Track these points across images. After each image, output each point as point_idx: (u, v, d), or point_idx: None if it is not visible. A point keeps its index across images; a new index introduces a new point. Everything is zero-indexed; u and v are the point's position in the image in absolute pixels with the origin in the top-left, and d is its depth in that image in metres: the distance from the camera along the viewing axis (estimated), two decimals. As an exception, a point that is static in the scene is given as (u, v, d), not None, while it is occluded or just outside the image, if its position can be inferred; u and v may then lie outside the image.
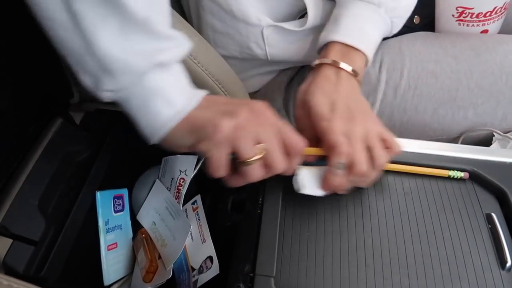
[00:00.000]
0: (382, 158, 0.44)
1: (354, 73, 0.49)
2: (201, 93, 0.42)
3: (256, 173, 0.41)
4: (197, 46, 0.51)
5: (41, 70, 0.51)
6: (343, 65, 0.49)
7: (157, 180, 0.53)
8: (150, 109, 0.40)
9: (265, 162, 0.41)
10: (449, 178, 0.47)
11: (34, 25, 0.47)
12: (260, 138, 0.40)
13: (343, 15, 0.53)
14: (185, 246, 0.48)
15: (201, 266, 0.45)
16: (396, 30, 0.58)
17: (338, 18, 0.53)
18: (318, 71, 0.50)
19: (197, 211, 0.50)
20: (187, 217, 0.50)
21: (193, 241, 0.48)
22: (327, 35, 0.53)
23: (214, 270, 0.44)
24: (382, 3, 0.53)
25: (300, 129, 0.46)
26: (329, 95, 0.47)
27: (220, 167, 0.40)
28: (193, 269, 0.46)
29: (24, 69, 0.48)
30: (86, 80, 0.39)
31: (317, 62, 0.51)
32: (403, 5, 0.56)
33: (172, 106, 0.40)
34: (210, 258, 0.45)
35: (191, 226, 0.47)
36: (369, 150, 0.43)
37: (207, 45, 0.54)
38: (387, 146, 0.45)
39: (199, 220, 0.49)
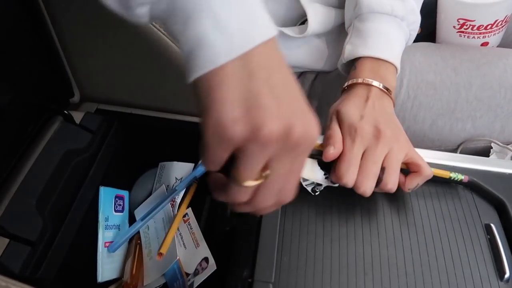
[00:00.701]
0: (391, 184, 0.43)
1: (386, 90, 0.49)
2: (268, 33, 0.28)
3: (241, 197, 0.31)
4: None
5: (41, 69, 0.50)
6: (375, 83, 0.49)
7: (163, 186, 0.52)
8: (192, 30, 0.27)
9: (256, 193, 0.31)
10: (449, 185, 0.48)
11: (35, 23, 0.47)
12: (272, 167, 0.30)
13: (370, 29, 0.53)
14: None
15: (196, 269, 0.45)
16: (410, 42, 0.59)
17: (364, 32, 0.53)
18: (350, 90, 0.50)
19: (189, 222, 0.49)
20: (179, 232, 0.49)
21: (186, 249, 0.48)
22: (355, 50, 0.52)
23: (210, 268, 0.44)
24: (405, 16, 0.54)
25: (331, 141, 0.45)
26: (360, 109, 0.46)
27: (214, 164, 0.30)
28: (188, 274, 0.46)
29: (24, 67, 0.47)
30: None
31: (349, 83, 0.50)
32: (419, 18, 0.56)
33: (222, 32, 0.27)
34: (206, 259, 0.45)
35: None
36: (383, 171, 0.43)
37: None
38: (414, 169, 0.45)
39: (191, 228, 0.49)
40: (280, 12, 0.60)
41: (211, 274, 0.43)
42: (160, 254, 0.47)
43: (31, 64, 0.48)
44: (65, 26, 0.50)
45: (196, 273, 0.45)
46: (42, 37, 0.49)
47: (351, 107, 0.47)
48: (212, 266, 0.44)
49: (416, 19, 0.56)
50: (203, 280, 0.44)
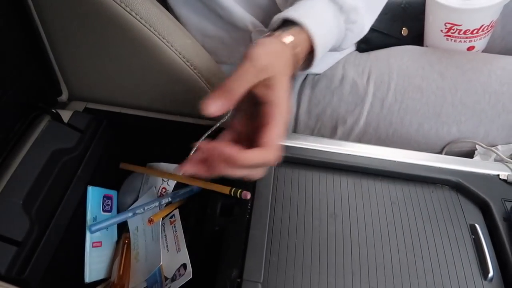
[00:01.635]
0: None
1: (293, 46, 0.42)
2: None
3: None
4: (191, 48, 0.51)
5: (29, 67, 0.50)
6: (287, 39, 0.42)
7: (153, 188, 0.52)
8: None
9: None
10: (435, 186, 0.49)
11: (24, 21, 0.47)
12: None
13: (305, 3, 0.47)
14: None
15: (174, 274, 0.45)
16: (345, 46, 0.53)
17: (298, 3, 0.47)
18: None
19: (174, 224, 0.50)
20: (164, 233, 0.50)
21: (168, 252, 0.48)
22: (282, 13, 0.46)
23: (186, 275, 0.44)
24: (345, 8, 0.48)
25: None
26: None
27: None
28: (166, 279, 0.46)
29: (12, 65, 0.47)
30: None
31: (260, 37, 0.43)
32: (361, 22, 0.51)
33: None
34: (184, 265, 0.45)
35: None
36: None
37: (201, 48, 0.54)
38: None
39: (176, 231, 0.49)
40: (266, 13, 0.60)
41: (188, 281, 0.43)
42: (150, 220, 0.47)
43: (18, 62, 0.48)
44: (53, 24, 0.49)
45: (173, 278, 0.45)
46: (31, 35, 0.49)
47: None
48: (188, 273, 0.44)
49: (358, 19, 0.49)
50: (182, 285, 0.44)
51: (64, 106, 0.56)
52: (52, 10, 0.48)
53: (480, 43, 0.66)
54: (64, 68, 0.54)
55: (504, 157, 0.53)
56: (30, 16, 0.48)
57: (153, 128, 0.55)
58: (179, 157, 0.53)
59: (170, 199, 0.51)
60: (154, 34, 0.47)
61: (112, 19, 0.46)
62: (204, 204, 0.48)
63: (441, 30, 0.65)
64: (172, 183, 0.53)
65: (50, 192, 0.45)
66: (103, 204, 0.51)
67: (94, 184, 0.51)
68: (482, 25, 0.62)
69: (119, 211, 0.54)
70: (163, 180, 0.53)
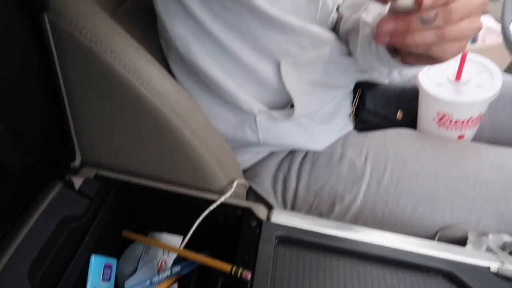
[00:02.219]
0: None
1: None
2: None
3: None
4: (203, 127, 0.54)
5: (51, 133, 0.52)
6: None
7: (154, 260, 0.53)
8: None
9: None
10: (429, 274, 0.50)
11: (41, 82, 0.49)
12: None
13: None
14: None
15: None
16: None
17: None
18: None
19: None
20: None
21: None
22: None
23: None
24: None
25: None
26: None
27: None
28: None
29: (35, 131, 0.49)
30: None
31: None
32: None
33: None
34: None
35: None
36: None
37: (211, 126, 0.57)
38: None
39: None
40: (269, 96, 0.64)
41: None
42: None
43: (42, 129, 0.50)
44: (76, 92, 0.51)
45: None
46: (56, 102, 0.51)
47: None
48: None
49: None
50: None
51: (75, 171, 0.58)
52: (77, 80, 0.50)
53: (469, 132, 0.71)
54: (80, 134, 0.56)
55: (494, 248, 0.55)
56: (57, 82, 0.50)
57: (159, 198, 0.57)
58: (182, 228, 0.55)
59: (179, 269, 0.51)
60: (170, 113, 0.50)
61: (131, 96, 0.49)
62: (204, 280, 0.49)
63: (433, 118, 0.69)
64: (172, 256, 0.54)
65: (55, 259, 0.46)
66: (103, 273, 0.51)
67: (97, 251, 0.52)
68: (471, 117, 0.67)
69: (117, 280, 0.55)
70: (163, 251, 0.54)
